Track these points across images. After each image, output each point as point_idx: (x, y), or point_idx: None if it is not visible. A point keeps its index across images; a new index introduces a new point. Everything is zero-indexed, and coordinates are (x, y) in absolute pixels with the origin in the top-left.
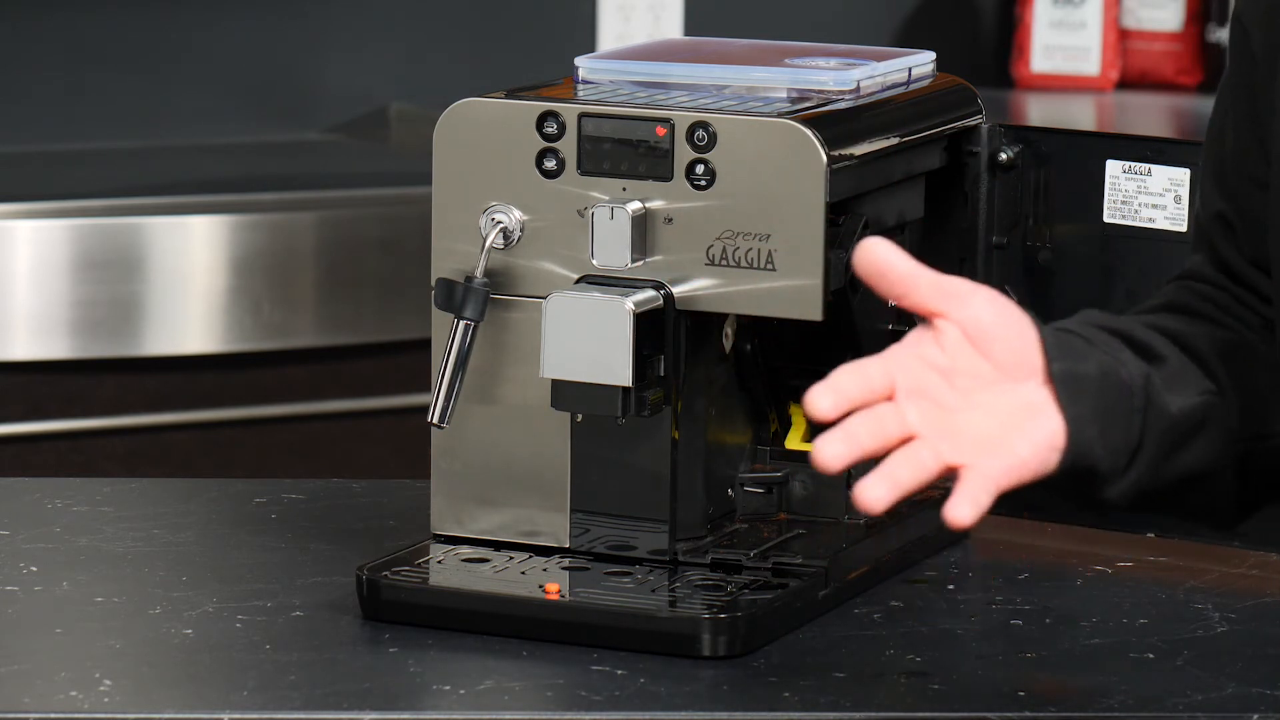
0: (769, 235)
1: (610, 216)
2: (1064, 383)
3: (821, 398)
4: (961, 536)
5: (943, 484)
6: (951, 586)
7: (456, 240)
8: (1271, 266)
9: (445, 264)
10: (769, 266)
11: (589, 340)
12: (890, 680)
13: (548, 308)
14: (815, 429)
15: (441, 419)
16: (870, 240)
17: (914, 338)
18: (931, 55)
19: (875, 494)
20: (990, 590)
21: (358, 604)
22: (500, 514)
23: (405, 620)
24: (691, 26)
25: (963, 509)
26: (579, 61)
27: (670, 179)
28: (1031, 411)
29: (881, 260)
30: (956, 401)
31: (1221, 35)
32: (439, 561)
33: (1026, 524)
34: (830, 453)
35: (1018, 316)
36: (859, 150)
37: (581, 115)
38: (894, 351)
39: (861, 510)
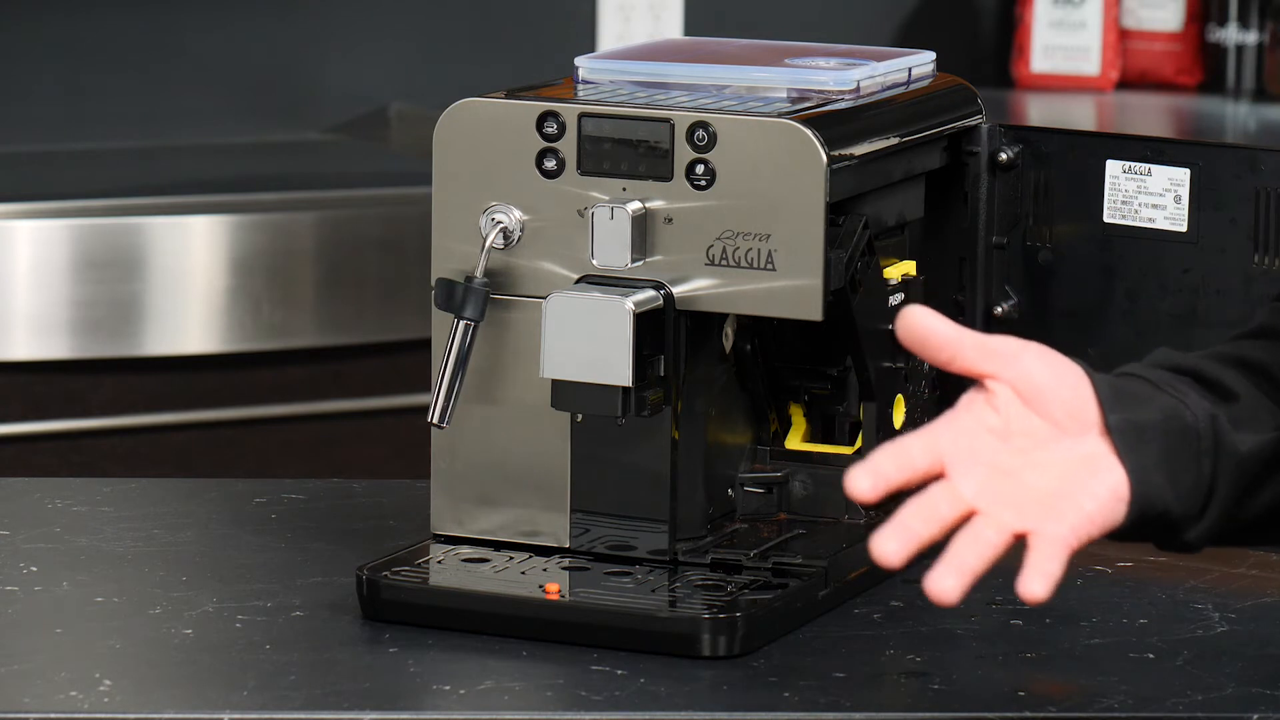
0: (769, 235)
1: (610, 216)
2: (1122, 433)
3: (860, 480)
4: None
5: None
6: None
7: (456, 240)
8: None
9: (445, 264)
10: (769, 266)
11: (589, 340)
12: (890, 680)
13: (548, 308)
14: (815, 429)
15: (441, 419)
16: (911, 308)
17: (965, 402)
18: (931, 55)
19: (946, 585)
20: (990, 590)
21: (358, 604)
22: (500, 514)
23: (405, 620)
24: (691, 26)
25: (1035, 584)
26: (579, 61)
27: (670, 179)
28: (1092, 465)
29: (923, 328)
30: (1015, 463)
31: (1221, 35)
32: (439, 561)
33: None
34: (887, 549)
35: (1070, 369)
36: (859, 150)
37: (581, 115)
38: (942, 422)
39: (934, 601)
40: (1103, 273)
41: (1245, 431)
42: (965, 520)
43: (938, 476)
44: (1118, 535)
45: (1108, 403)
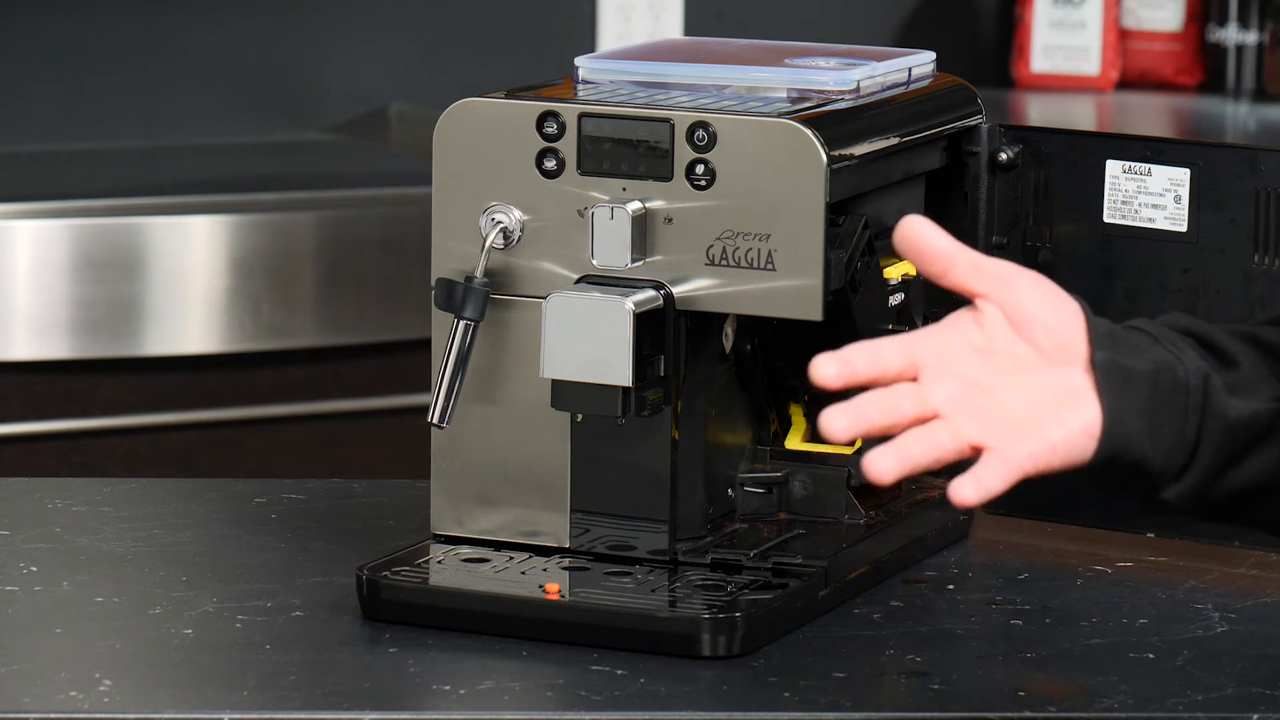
0: (769, 235)
1: (610, 216)
2: (1106, 372)
3: (826, 366)
4: (961, 536)
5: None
6: (951, 586)
7: (456, 240)
8: None
9: (445, 264)
10: (769, 266)
11: (589, 340)
12: (890, 680)
13: (548, 308)
14: (815, 429)
15: (441, 419)
16: (910, 217)
17: (952, 317)
18: (931, 55)
19: (883, 465)
20: (990, 590)
21: (358, 604)
22: (500, 514)
23: (405, 620)
24: (691, 26)
25: (967, 488)
26: (579, 61)
27: (670, 179)
28: (1069, 397)
29: (919, 237)
30: (991, 381)
31: (1221, 35)
32: (439, 561)
33: (1026, 524)
34: (836, 425)
35: (1063, 301)
36: (859, 150)
37: (581, 115)
38: (925, 330)
39: (868, 479)
40: (1103, 273)
41: (1239, 398)
42: (922, 423)
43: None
44: (1090, 478)
45: (1097, 340)
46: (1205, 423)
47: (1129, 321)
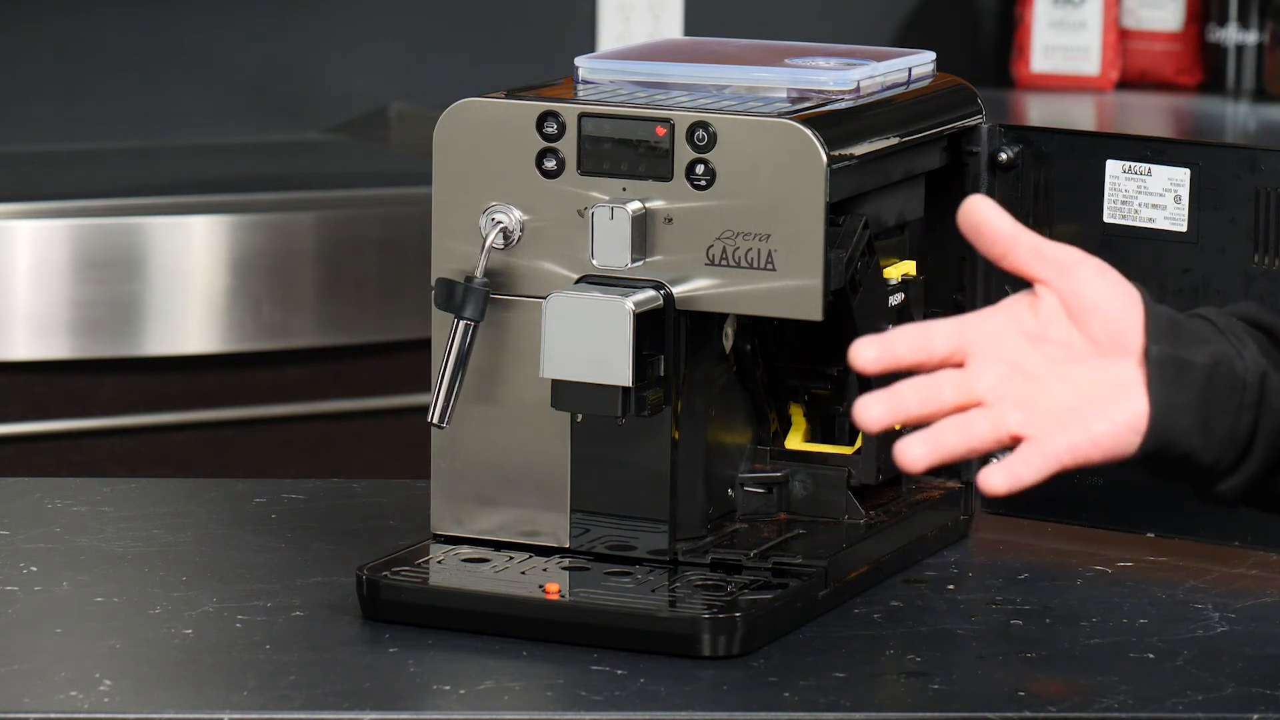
0: (769, 235)
1: (610, 216)
2: (1160, 365)
3: (866, 348)
4: (961, 536)
5: (946, 482)
6: (951, 586)
7: (456, 240)
8: None
9: (445, 264)
10: (769, 266)
11: (589, 340)
12: (890, 680)
13: (548, 308)
14: (815, 429)
15: (441, 419)
16: (974, 196)
17: (1007, 301)
18: (931, 55)
19: (915, 453)
20: (990, 590)
21: (358, 604)
22: (500, 514)
23: (405, 620)
24: (691, 26)
25: (997, 477)
26: (579, 61)
27: (670, 179)
28: (1118, 390)
29: (981, 217)
30: (1041, 369)
31: (1221, 35)
32: (439, 561)
33: (1026, 524)
34: (871, 414)
35: (1124, 291)
36: (859, 150)
37: (581, 115)
38: (977, 314)
39: (899, 466)
40: None
41: None
42: (961, 410)
43: (953, 368)
44: (1143, 469)
45: (1154, 333)
46: (1260, 419)
47: (1197, 309)
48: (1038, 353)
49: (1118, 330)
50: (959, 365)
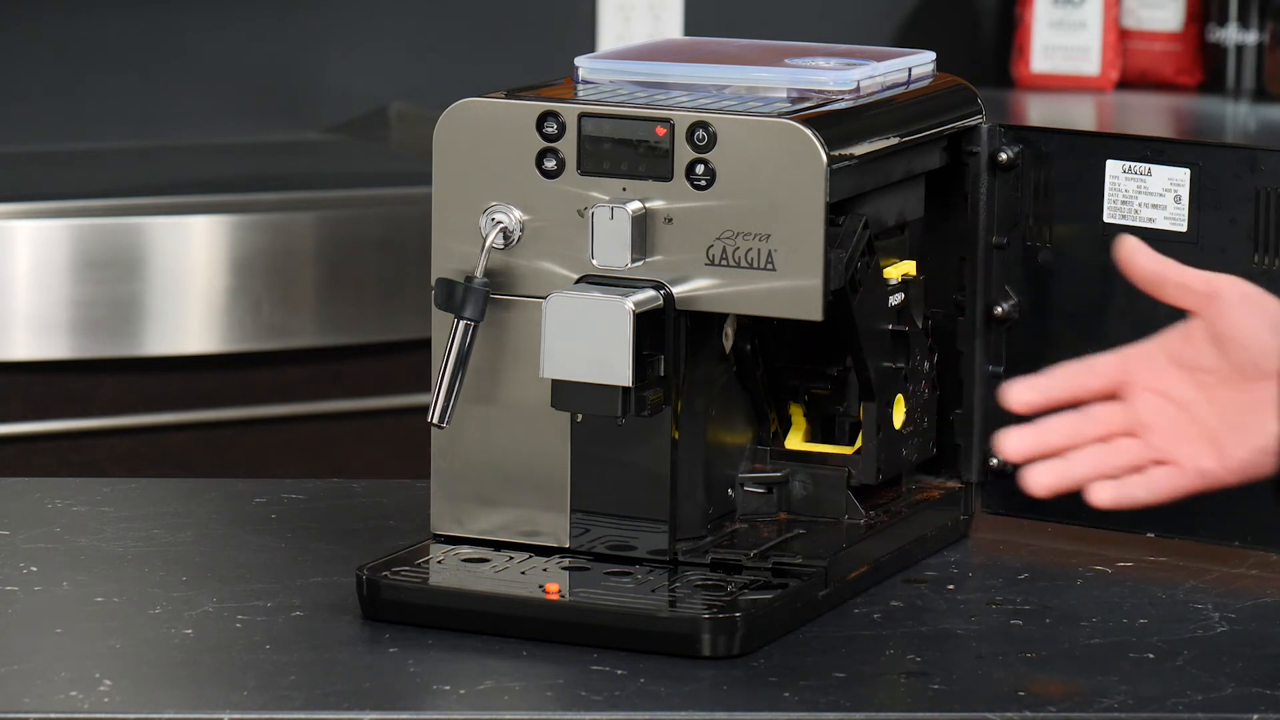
0: (769, 235)
1: (610, 216)
2: None
3: (1019, 391)
4: (961, 536)
5: (947, 482)
6: (951, 586)
7: (456, 240)
8: None
9: (445, 264)
10: (769, 266)
11: (589, 340)
12: (890, 680)
13: (548, 308)
14: (815, 429)
15: (441, 419)
16: (1125, 238)
17: (1165, 334)
18: (931, 55)
19: (1041, 481)
20: (990, 590)
21: (358, 604)
22: (500, 514)
23: (405, 620)
24: (691, 26)
25: (1105, 493)
26: (579, 61)
27: (670, 179)
28: (1254, 410)
29: (1128, 263)
30: (1191, 396)
31: (1221, 35)
32: (439, 561)
33: (1026, 524)
34: (1012, 447)
35: (1266, 315)
36: (859, 150)
37: (581, 115)
38: (1136, 348)
39: (1024, 489)
40: (1103, 273)
41: None
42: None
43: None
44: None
45: None
46: None
47: None
48: (1189, 379)
49: (1255, 352)
50: (1112, 398)
